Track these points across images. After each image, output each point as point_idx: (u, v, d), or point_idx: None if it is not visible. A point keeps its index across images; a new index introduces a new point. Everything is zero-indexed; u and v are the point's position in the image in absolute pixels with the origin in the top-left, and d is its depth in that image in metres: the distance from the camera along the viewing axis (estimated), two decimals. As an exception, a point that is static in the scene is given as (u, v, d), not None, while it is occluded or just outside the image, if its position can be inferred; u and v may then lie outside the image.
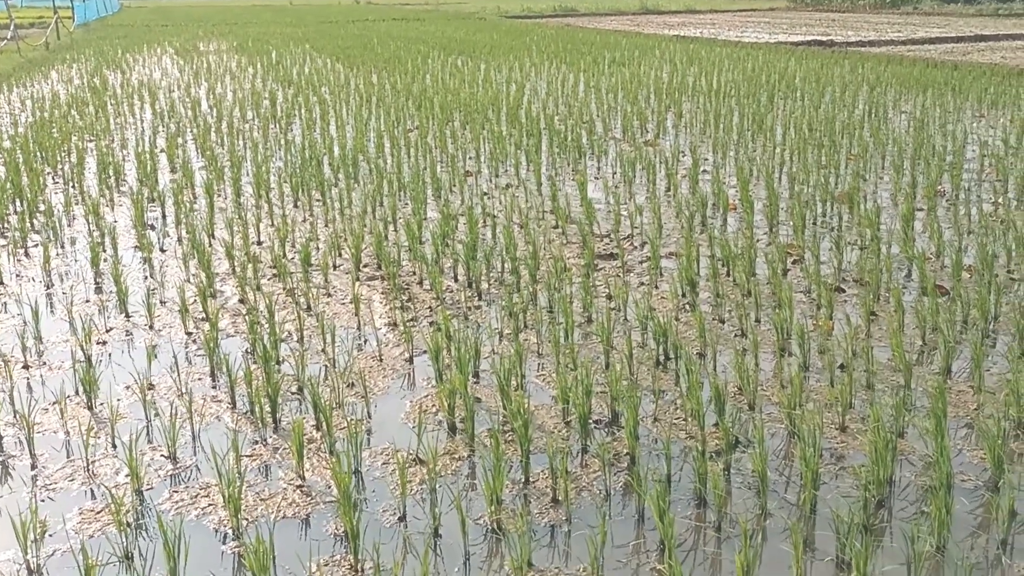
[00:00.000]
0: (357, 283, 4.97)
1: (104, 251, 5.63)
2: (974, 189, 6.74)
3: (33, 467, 3.19)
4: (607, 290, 4.79)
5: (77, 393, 3.73)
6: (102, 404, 3.62)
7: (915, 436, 3.22)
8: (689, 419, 3.36)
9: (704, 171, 7.55)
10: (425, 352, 4.01)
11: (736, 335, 4.17)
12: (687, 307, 4.53)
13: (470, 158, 8.20)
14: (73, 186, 7.48)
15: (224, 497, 2.83)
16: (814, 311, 4.44)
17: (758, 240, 5.62)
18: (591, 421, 3.31)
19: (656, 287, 4.86)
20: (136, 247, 5.77)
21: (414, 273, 5.14)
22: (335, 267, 5.29)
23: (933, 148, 7.94)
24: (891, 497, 2.87)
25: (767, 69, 14.48)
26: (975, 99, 11.04)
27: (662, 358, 3.90)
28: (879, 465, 2.88)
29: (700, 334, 4.04)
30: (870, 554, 2.46)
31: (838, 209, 6.24)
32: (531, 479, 3.01)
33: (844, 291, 4.72)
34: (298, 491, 3.00)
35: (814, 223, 5.99)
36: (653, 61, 16.46)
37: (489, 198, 6.78)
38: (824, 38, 21.59)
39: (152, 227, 6.19)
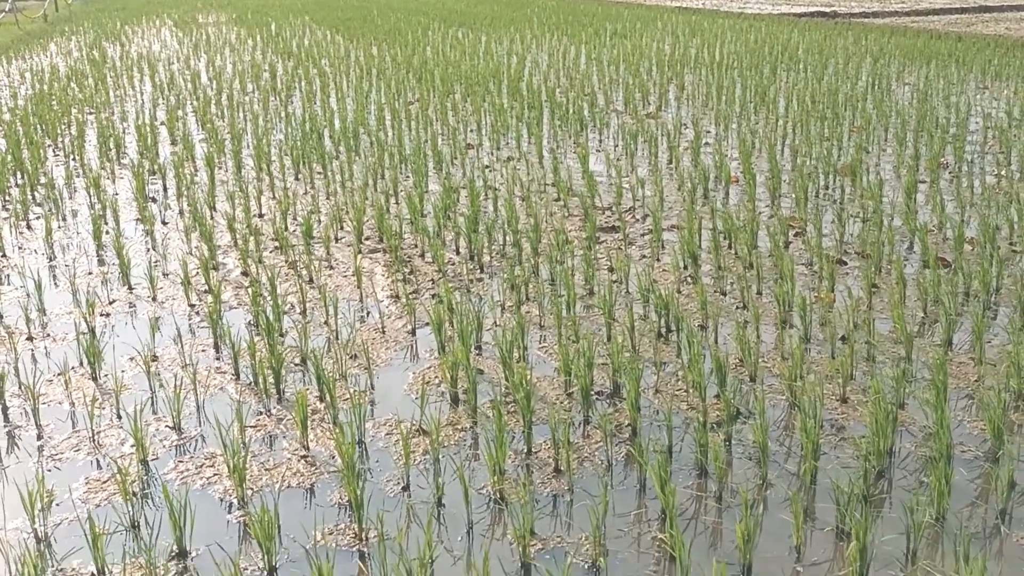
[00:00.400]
0: (359, 256, 4.98)
1: (106, 224, 5.63)
2: (977, 161, 6.72)
3: (39, 437, 3.21)
4: (609, 263, 4.80)
5: (81, 364, 3.75)
6: (106, 375, 3.64)
7: (915, 407, 3.24)
8: (690, 390, 3.38)
9: (706, 143, 7.52)
10: (427, 324, 4.02)
11: (738, 307, 4.18)
12: (689, 279, 4.54)
13: (471, 131, 8.17)
14: (74, 159, 7.46)
15: (229, 467, 2.85)
16: (816, 283, 4.44)
17: (760, 213, 5.62)
18: (593, 392, 3.33)
19: (658, 260, 4.87)
20: (138, 220, 5.77)
21: (416, 246, 5.14)
22: (337, 240, 5.29)
23: (936, 120, 7.91)
24: (891, 468, 2.89)
25: (770, 41, 14.38)
26: (979, 71, 10.98)
27: (664, 330, 3.92)
28: (879, 436, 2.89)
29: (702, 306, 4.05)
30: (870, 524, 2.48)
31: (840, 181, 6.22)
32: (533, 450, 3.03)
33: (846, 263, 4.73)
34: (302, 461, 3.02)
35: (816, 195, 5.98)
36: (655, 33, 16.35)
37: (491, 171, 6.77)
38: (827, 9, 21.43)
39: (153, 200, 6.19)
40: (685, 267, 4.67)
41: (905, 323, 3.75)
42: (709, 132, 8.00)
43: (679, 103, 9.41)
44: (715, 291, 4.38)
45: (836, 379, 3.43)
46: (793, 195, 5.88)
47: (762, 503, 2.72)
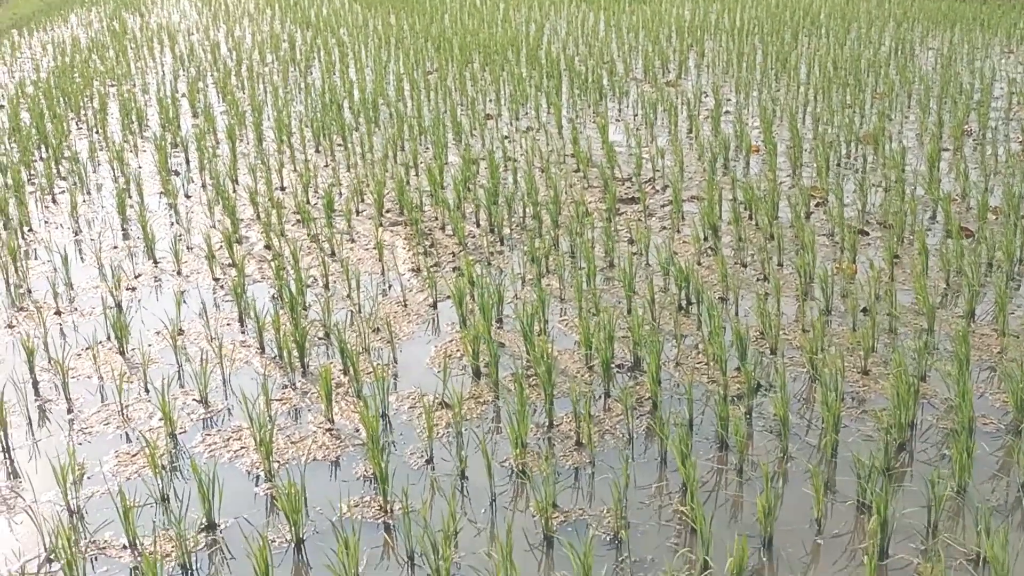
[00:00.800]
0: (380, 228, 5.00)
1: (130, 197, 5.68)
2: (1001, 128, 6.64)
3: (69, 411, 3.27)
4: (629, 234, 4.80)
5: (109, 339, 3.81)
6: (134, 349, 3.70)
7: (937, 379, 3.24)
8: (711, 363, 3.39)
9: (727, 112, 7.47)
10: (449, 297, 4.05)
11: (758, 279, 4.18)
12: (709, 251, 4.53)
13: (490, 101, 8.14)
14: (97, 132, 7.51)
15: (256, 440, 2.90)
16: (837, 254, 4.43)
17: (781, 183, 5.59)
18: (613, 366, 3.35)
19: (678, 231, 4.86)
20: (161, 193, 5.81)
21: (436, 218, 5.16)
22: (358, 212, 5.31)
23: (960, 86, 7.81)
24: (912, 440, 2.90)
25: (791, 5, 14.18)
26: (1004, 34, 10.79)
27: (684, 303, 3.92)
28: (901, 409, 2.90)
29: (722, 278, 4.05)
30: (891, 497, 2.50)
31: (863, 150, 6.17)
32: (555, 423, 3.06)
33: (868, 234, 4.70)
34: (327, 434, 3.06)
35: (838, 165, 5.93)
36: (675, -2, 16.14)
37: (510, 141, 6.76)
38: (851, -28, 21.04)
39: (176, 173, 6.23)
40: (705, 239, 4.67)
41: (927, 294, 3.73)
42: (729, 100, 7.93)
43: (699, 71, 9.33)
44: (735, 263, 4.38)
45: (857, 351, 3.44)
46: (814, 164, 5.84)
47: (783, 476, 2.74)
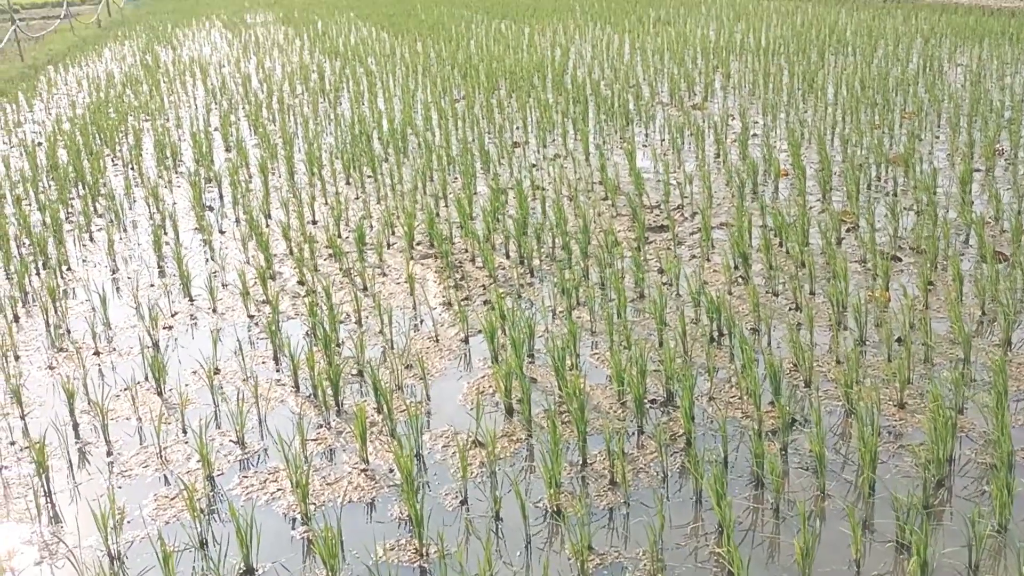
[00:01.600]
0: (411, 261, 5.04)
1: (165, 234, 5.77)
2: (1035, 147, 6.57)
3: (108, 454, 3.32)
4: (658, 264, 4.80)
5: (147, 379, 3.87)
6: (171, 390, 3.75)
7: (975, 412, 3.20)
8: (744, 397, 3.38)
9: (754, 135, 7.45)
10: (480, 332, 4.07)
11: (790, 308, 4.16)
12: (740, 280, 4.52)
13: (517, 128, 8.19)
14: (132, 168, 7.65)
15: (292, 482, 2.93)
16: (870, 282, 4.40)
17: (811, 207, 5.56)
18: (646, 401, 3.35)
19: (708, 259, 4.85)
20: (196, 229, 5.90)
21: (466, 250, 5.19)
22: (389, 245, 5.36)
23: (991, 104, 7.74)
24: (951, 476, 2.87)
25: (817, 23, 14.16)
26: (1036, 48, 10.69)
27: (715, 334, 3.91)
28: (938, 443, 2.87)
29: (754, 308, 4.03)
30: (930, 536, 2.47)
31: (893, 172, 6.13)
32: (588, 461, 3.06)
33: (900, 260, 4.67)
34: (362, 475, 3.09)
35: (868, 188, 5.90)
36: (699, 18, 16.18)
37: (538, 169, 6.79)
38: (877, -13, 20.98)
39: (210, 208, 6.32)
40: (736, 267, 4.65)
41: (963, 322, 3.70)
42: (757, 123, 7.92)
43: (725, 93, 9.33)
44: (767, 291, 4.36)
45: (893, 383, 3.41)
46: (844, 188, 5.81)
47: (820, 515, 2.72)
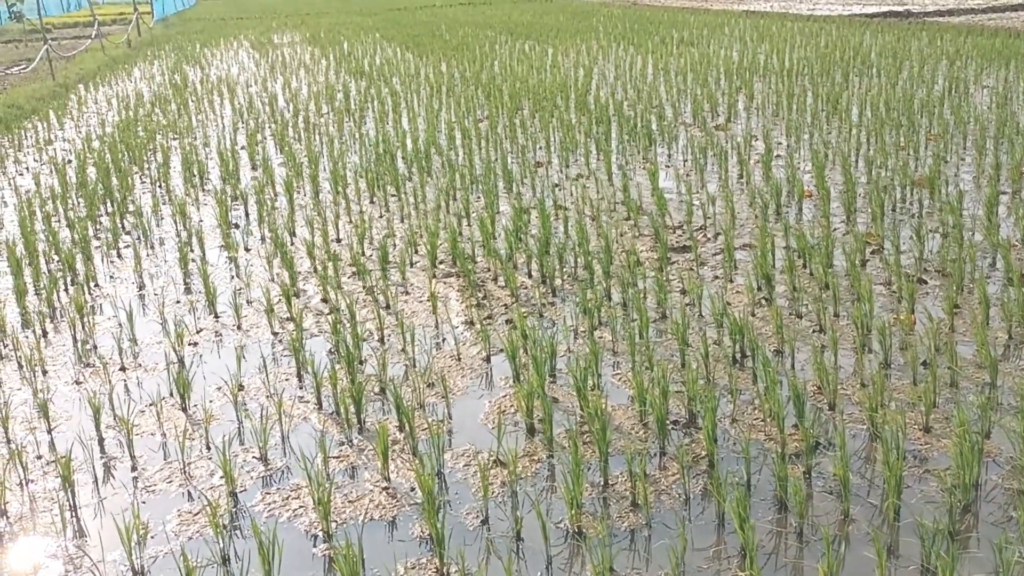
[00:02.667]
0: (434, 280, 5.06)
1: (192, 251, 5.83)
2: (1063, 169, 6.51)
3: (133, 469, 3.35)
4: (681, 285, 4.79)
5: (171, 395, 3.90)
6: (195, 406, 3.78)
7: (1002, 436, 3.17)
8: (768, 420, 3.36)
9: (777, 156, 7.44)
10: (502, 351, 4.08)
11: (814, 331, 4.14)
12: (763, 301, 4.50)
13: (540, 148, 8.23)
14: (160, 186, 7.74)
15: (314, 500, 2.94)
16: (895, 304, 4.37)
17: (835, 229, 5.54)
18: (668, 422, 3.34)
19: (731, 281, 4.84)
20: (222, 246, 5.96)
21: (488, 269, 5.21)
22: (412, 264, 5.39)
23: (1017, 125, 7.69)
24: (978, 502, 2.83)
25: (841, 44, 14.13)
26: (1064, 71, 10.61)
27: (738, 356, 3.90)
28: (964, 468, 2.84)
29: (777, 330, 4.02)
30: (956, 562, 2.44)
31: (918, 194, 6.10)
32: (610, 482, 3.05)
33: (926, 282, 4.64)
34: (384, 493, 3.09)
35: (893, 209, 5.87)
36: (723, 39, 16.20)
37: (560, 189, 6.81)
38: (900, 8, 20.96)
39: (236, 226, 6.38)
40: (759, 288, 4.64)
41: (989, 346, 3.67)
42: (780, 144, 7.91)
43: (748, 114, 9.32)
44: (790, 313, 4.34)
45: (918, 407, 3.38)
46: (869, 209, 5.78)
47: (844, 540, 2.69)
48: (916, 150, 7.17)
